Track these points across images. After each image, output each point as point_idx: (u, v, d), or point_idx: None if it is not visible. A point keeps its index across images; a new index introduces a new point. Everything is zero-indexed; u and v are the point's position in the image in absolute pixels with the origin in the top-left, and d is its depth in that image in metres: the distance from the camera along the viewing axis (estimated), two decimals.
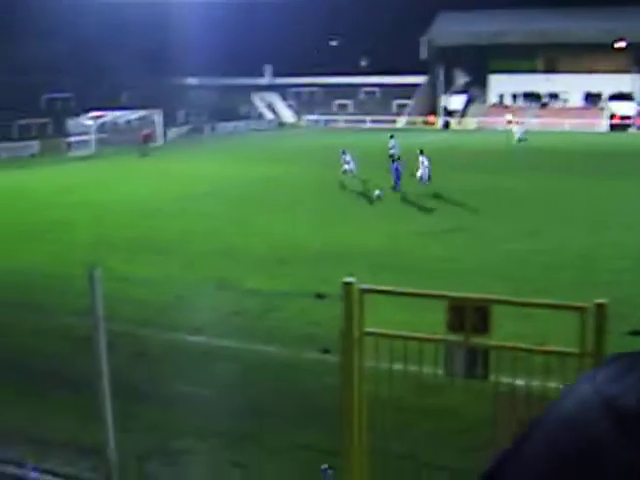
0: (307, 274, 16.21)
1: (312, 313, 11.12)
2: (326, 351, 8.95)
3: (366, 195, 29.01)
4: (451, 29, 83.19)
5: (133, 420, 8.30)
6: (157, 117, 59.30)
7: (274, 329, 11.62)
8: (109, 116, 56.15)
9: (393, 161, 33.38)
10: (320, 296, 8.29)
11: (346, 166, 34.34)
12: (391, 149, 36.90)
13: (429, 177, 30.00)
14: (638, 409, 0.69)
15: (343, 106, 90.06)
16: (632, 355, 0.79)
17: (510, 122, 52.48)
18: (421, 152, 30.88)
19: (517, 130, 50.00)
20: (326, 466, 6.33)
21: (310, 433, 8.05)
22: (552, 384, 5.11)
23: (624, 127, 74.80)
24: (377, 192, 28.11)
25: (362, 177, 32.67)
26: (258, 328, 11.79)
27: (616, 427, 0.70)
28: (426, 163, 30.38)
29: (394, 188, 30.37)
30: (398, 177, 30.76)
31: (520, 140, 48.07)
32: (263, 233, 21.41)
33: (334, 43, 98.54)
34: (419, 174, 30.16)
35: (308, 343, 10.30)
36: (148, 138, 51.95)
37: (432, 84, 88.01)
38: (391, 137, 38.55)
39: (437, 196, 27.97)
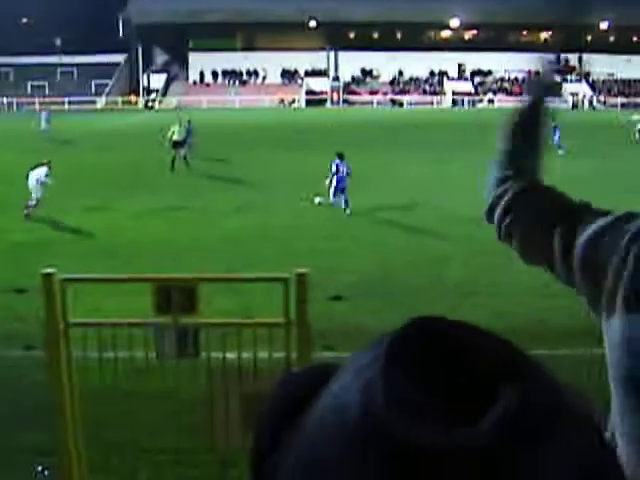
0: (7, 266, 15.21)
1: (16, 308, 10.51)
2: (30, 347, 8.52)
3: None
4: (149, 7, 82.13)
5: None
6: None
7: None
8: None
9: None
10: (20, 291, 7.83)
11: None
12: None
13: None
14: None
15: (39, 87, 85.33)
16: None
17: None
18: None
19: (43, 116, 46.37)
20: (40, 467, 6.06)
21: (26, 434, 7.62)
22: (262, 354, 5.30)
23: (320, 102, 78.91)
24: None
25: None
26: None
27: None
28: None
29: None
30: None
31: (43, 131, 44.87)
32: None
33: (25, 20, 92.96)
34: None
35: (13, 340, 9.73)
36: None
37: (131, 63, 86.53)
38: None
39: None
